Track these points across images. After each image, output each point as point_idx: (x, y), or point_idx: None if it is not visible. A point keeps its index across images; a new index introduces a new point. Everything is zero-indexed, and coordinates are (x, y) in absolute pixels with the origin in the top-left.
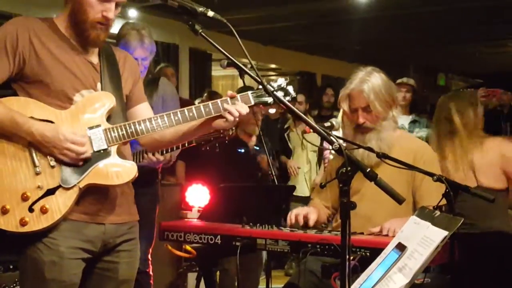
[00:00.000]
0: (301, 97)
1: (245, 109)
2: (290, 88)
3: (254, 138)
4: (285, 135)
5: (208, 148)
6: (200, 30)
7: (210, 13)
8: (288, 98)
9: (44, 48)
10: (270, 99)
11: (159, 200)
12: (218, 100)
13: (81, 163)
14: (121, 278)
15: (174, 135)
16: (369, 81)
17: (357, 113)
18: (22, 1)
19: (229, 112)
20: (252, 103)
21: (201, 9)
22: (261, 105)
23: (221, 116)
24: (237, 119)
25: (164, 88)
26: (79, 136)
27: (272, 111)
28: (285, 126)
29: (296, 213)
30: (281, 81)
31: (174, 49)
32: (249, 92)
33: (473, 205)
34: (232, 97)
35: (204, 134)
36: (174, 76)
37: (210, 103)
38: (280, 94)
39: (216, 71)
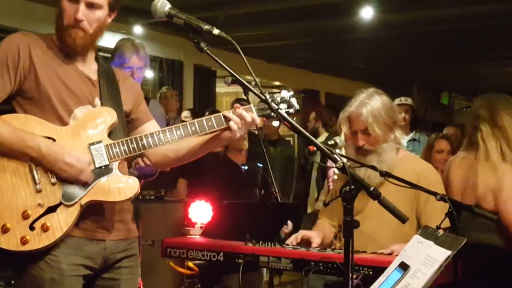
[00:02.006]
0: (311, 114)
1: (248, 116)
2: (294, 101)
3: (244, 153)
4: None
5: None
6: (206, 48)
7: (216, 31)
8: (291, 110)
9: (42, 64)
10: (273, 113)
11: (140, 216)
12: (221, 113)
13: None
14: None
15: (185, 152)
16: (369, 104)
17: (357, 135)
18: (27, 17)
19: (232, 121)
20: (255, 115)
21: (206, 27)
22: (264, 118)
23: (227, 129)
24: (241, 126)
25: (153, 109)
26: (83, 162)
27: (276, 123)
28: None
29: (300, 236)
30: (285, 93)
31: (178, 66)
32: (252, 105)
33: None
34: (236, 110)
35: (215, 148)
36: (174, 98)
37: (212, 116)
38: (283, 106)
39: (221, 88)
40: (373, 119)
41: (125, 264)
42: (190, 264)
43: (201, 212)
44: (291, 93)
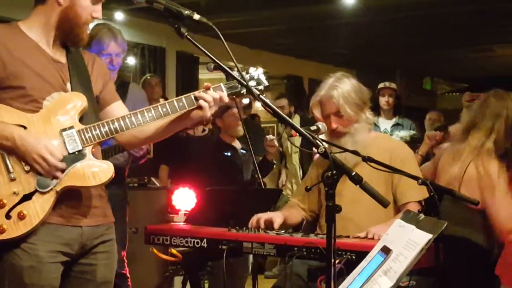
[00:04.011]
0: (284, 101)
1: (217, 95)
2: (263, 77)
3: (237, 141)
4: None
5: (185, 134)
6: (186, 33)
7: (196, 16)
8: (261, 87)
9: (9, 53)
10: (243, 90)
11: (128, 201)
12: (191, 93)
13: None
14: (99, 280)
15: (153, 131)
16: (338, 86)
17: (330, 119)
18: (21, 6)
19: (203, 99)
20: (225, 93)
21: (187, 12)
22: (234, 96)
23: (197, 108)
24: (212, 105)
25: (133, 92)
26: (56, 157)
27: (245, 101)
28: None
29: (258, 217)
30: (253, 70)
31: (161, 52)
32: (222, 84)
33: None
34: (206, 89)
35: (185, 127)
36: (159, 86)
37: (183, 97)
38: (252, 84)
39: (204, 74)
40: (344, 101)
41: (102, 250)
42: (174, 251)
43: (185, 199)
44: (260, 70)
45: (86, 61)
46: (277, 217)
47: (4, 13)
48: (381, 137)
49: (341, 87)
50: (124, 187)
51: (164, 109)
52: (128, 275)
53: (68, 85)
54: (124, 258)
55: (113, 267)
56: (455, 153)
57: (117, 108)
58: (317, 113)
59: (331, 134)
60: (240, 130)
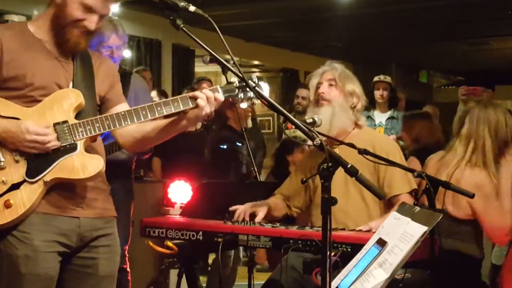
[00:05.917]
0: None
1: (211, 93)
2: (261, 85)
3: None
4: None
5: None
6: (182, 25)
7: (192, 8)
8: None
9: (15, 55)
10: (240, 94)
11: (134, 196)
12: (187, 94)
13: (49, 154)
14: (101, 274)
15: (152, 132)
16: (345, 69)
17: (321, 86)
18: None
19: (199, 98)
20: (221, 95)
21: (182, 3)
22: (230, 99)
23: (194, 108)
24: (208, 102)
25: (136, 82)
26: (42, 127)
27: (243, 105)
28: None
29: (244, 209)
30: (251, 82)
31: (156, 45)
32: (219, 87)
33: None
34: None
35: (184, 129)
36: (152, 81)
37: (179, 97)
38: (251, 94)
39: (199, 67)
40: (343, 73)
41: (103, 243)
42: (169, 243)
43: (180, 191)
44: (257, 79)
45: (93, 61)
46: (260, 211)
47: (2, 6)
48: (366, 131)
49: (347, 71)
50: (130, 181)
51: (159, 108)
52: (128, 269)
53: (71, 85)
54: (126, 253)
55: (115, 261)
56: (441, 163)
57: (122, 109)
58: (313, 81)
59: (313, 104)
60: (249, 123)
